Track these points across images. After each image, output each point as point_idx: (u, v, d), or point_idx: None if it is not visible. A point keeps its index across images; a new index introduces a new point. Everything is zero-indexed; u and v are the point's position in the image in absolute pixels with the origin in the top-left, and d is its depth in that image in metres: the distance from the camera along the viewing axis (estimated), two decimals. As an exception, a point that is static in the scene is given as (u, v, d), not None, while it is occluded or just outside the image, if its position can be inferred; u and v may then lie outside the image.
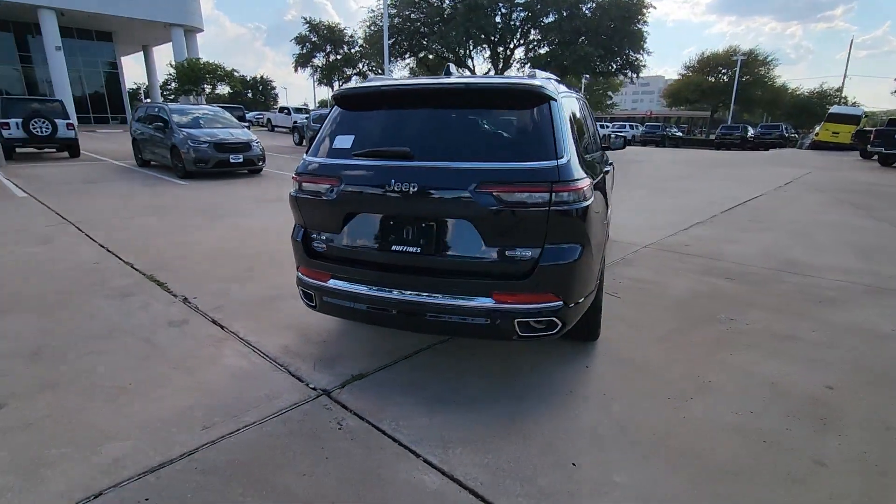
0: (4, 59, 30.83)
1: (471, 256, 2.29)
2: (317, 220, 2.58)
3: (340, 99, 2.63)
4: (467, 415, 2.37)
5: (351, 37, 31.10)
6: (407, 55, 27.37)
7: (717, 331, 3.36)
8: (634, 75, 24.36)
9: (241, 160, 10.76)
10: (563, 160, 2.23)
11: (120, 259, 4.76)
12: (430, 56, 27.68)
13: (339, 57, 31.84)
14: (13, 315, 3.42)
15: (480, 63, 29.66)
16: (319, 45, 32.55)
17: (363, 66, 32.73)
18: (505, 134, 2.38)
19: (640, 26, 21.71)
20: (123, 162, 13.09)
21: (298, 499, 1.83)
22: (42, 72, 30.57)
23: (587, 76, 29.68)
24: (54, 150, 14.25)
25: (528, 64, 25.41)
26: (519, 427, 2.28)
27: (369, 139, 2.46)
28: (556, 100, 2.36)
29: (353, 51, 31.60)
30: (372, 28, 26.65)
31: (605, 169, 3.65)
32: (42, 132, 13.02)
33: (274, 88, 67.97)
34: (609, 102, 50.30)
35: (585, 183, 2.32)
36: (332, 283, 2.53)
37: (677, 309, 3.74)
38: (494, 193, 2.17)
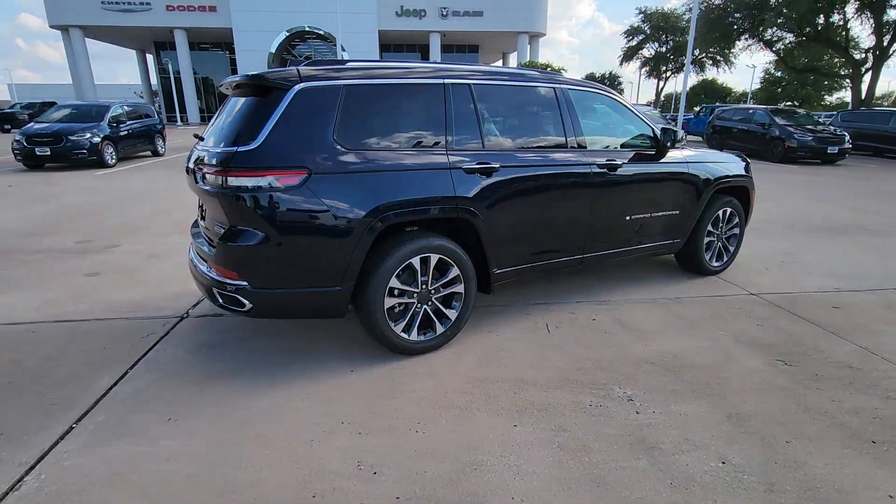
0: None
1: (210, 227, 2.66)
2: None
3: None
4: (207, 362, 2.77)
5: (687, 21, 28.01)
6: (746, 37, 22.83)
7: (570, 401, 2.40)
8: None
9: None
10: (249, 146, 2.30)
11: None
12: (785, 33, 22.23)
13: (669, 46, 29.30)
14: (177, 236, 5.58)
15: (867, 36, 22.02)
16: (652, 35, 30.70)
17: (699, 54, 29.12)
18: (238, 120, 2.50)
19: None
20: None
21: (56, 363, 2.78)
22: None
23: None
24: None
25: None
26: (202, 388, 2.53)
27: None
28: (285, 88, 2.38)
29: (686, 37, 28.47)
30: (702, 6, 23.31)
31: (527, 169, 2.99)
32: None
33: (620, 84, 68.10)
34: None
35: (280, 173, 2.31)
36: (192, 239, 3.31)
37: (590, 364, 2.74)
38: (198, 172, 2.48)
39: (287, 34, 33.73)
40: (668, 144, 3.57)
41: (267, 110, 2.38)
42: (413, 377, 2.62)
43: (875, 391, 2.50)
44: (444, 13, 34.77)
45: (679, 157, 3.78)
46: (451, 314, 2.89)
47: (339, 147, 2.45)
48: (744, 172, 4.22)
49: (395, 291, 2.68)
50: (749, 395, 2.47)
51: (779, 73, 41.53)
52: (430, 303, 2.82)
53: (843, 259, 4.79)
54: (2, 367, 2.70)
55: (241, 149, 2.31)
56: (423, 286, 2.76)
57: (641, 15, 30.41)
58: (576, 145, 3.25)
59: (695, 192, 3.85)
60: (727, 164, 4.13)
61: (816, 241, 5.43)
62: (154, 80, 42.88)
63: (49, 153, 11.10)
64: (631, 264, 4.50)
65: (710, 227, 4.09)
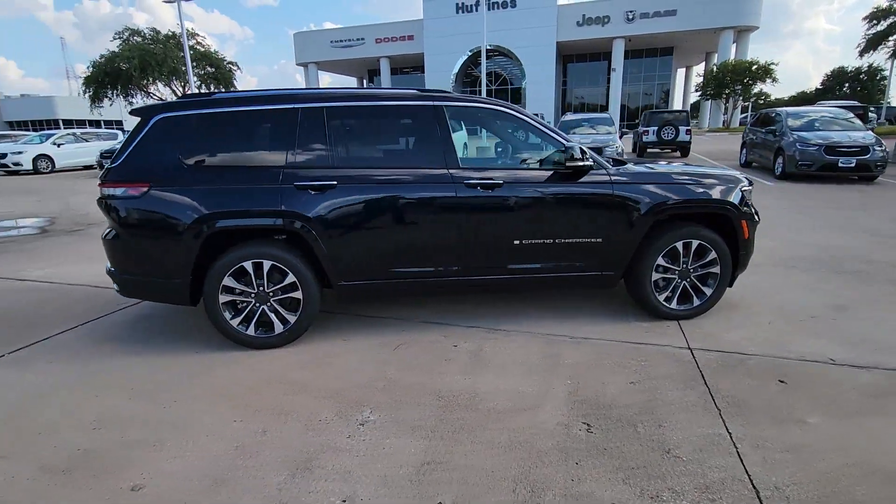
0: (597, 82, 40.56)
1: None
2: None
3: None
4: (126, 329, 3.57)
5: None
6: None
7: (309, 411, 2.46)
8: None
9: (852, 165, 9.75)
10: (115, 163, 2.99)
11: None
12: None
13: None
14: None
15: None
16: (911, 14, 23.50)
17: None
18: (122, 143, 3.12)
19: None
20: (723, 161, 14.12)
21: (52, 314, 3.92)
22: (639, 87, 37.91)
23: None
24: (671, 150, 17.44)
25: None
26: (100, 346, 3.30)
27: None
28: (148, 118, 3.00)
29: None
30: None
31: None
32: (668, 137, 16.55)
33: (884, 79, 53.77)
34: None
35: (128, 185, 2.94)
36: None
37: (379, 386, 2.70)
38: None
39: (469, 55, 36.13)
40: (573, 163, 3.13)
41: (135, 135, 3.04)
42: (227, 366, 2.97)
43: (650, 485, 1.92)
44: (630, 17, 32.76)
45: (603, 176, 3.26)
46: (291, 318, 3.15)
47: (182, 166, 2.98)
48: (721, 198, 3.35)
49: (236, 290, 3.08)
50: (490, 448, 2.15)
51: None
52: (269, 304, 3.13)
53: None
54: (29, 310, 3.96)
55: (111, 165, 3.03)
56: (260, 288, 3.09)
57: (893, -10, 23.63)
58: (443, 163, 3.15)
59: (624, 218, 3.26)
60: (690, 186, 3.34)
61: (921, 296, 3.86)
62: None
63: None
64: (598, 295, 3.97)
65: (661, 261, 3.38)
